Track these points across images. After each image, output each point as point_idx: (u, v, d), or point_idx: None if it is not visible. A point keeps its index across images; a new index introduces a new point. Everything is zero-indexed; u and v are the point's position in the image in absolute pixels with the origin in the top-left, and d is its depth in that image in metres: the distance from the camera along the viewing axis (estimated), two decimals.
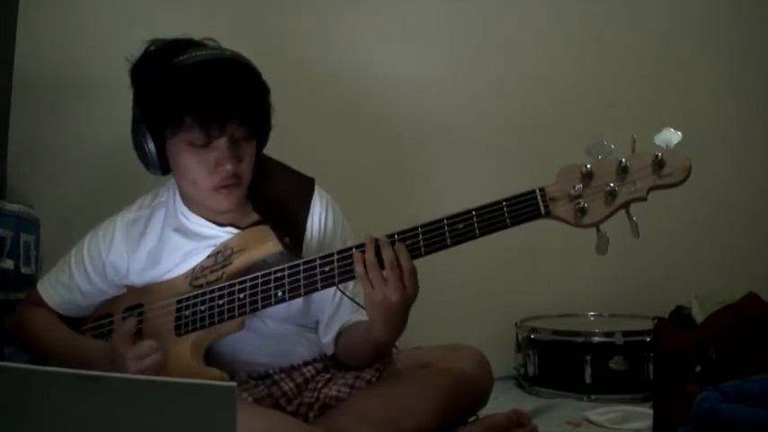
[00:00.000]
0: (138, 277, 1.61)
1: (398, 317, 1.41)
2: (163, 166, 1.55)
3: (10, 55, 1.99)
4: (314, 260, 1.45)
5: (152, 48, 1.55)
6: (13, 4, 2.00)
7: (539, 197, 1.35)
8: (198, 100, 1.46)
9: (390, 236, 1.41)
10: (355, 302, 1.54)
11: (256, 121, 1.54)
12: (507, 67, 2.53)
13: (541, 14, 2.56)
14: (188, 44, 1.53)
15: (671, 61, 2.62)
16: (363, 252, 1.39)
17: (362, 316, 1.52)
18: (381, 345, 1.52)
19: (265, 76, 1.56)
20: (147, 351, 1.45)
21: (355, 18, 2.44)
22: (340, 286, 1.47)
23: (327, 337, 1.60)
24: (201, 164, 1.50)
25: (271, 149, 1.63)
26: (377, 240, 1.39)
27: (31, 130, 2.11)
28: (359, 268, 1.39)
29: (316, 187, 1.64)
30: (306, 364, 1.62)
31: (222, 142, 1.49)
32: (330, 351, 1.62)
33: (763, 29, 2.68)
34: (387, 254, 1.37)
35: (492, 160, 2.50)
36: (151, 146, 1.52)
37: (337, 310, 1.59)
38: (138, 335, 1.54)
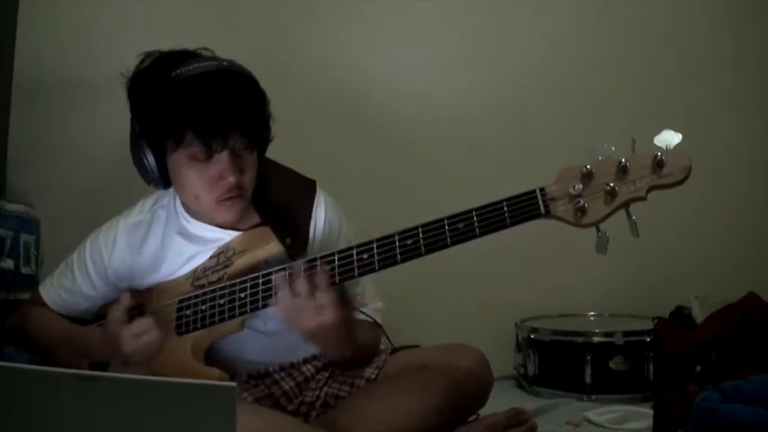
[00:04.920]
0: (141, 281, 1.61)
1: (328, 340, 1.44)
2: (164, 180, 1.55)
3: (10, 55, 1.99)
4: (314, 260, 1.45)
5: (146, 61, 1.54)
6: (12, 4, 2.00)
7: (539, 197, 1.35)
8: (198, 114, 1.45)
9: (389, 236, 1.41)
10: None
11: (257, 131, 1.54)
12: (507, 68, 2.53)
13: (542, 15, 2.56)
14: (183, 56, 1.52)
15: (672, 60, 2.62)
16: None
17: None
18: (334, 361, 1.56)
19: (266, 78, 1.55)
20: (144, 329, 1.45)
21: (356, 20, 2.44)
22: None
23: None
24: (203, 178, 1.50)
25: (272, 151, 1.63)
26: (288, 271, 1.40)
27: (30, 130, 2.11)
28: (274, 301, 1.40)
29: (318, 189, 1.64)
30: (306, 362, 1.62)
31: (224, 155, 1.48)
32: None
33: (763, 28, 2.68)
34: (300, 284, 1.38)
35: (492, 160, 2.50)
36: (151, 161, 1.52)
37: None
38: None
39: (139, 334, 1.44)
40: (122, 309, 1.48)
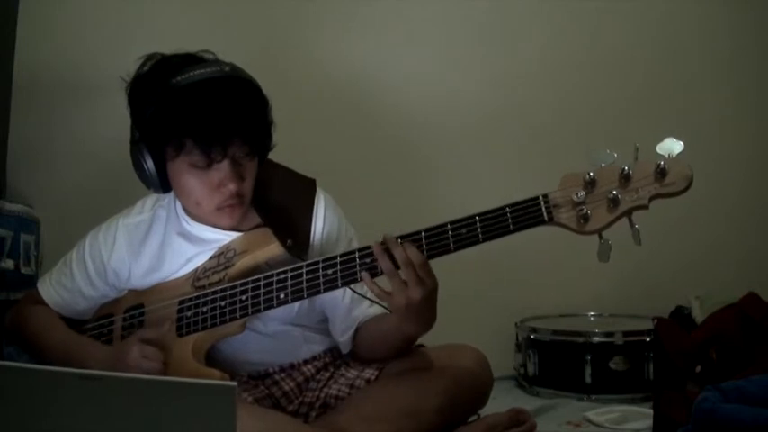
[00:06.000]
0: (140, 281, 1.61)
1: (427, 310, 1.43)
2: (164, 185, 1.54)
3: (10, 55, 1.99)
4: (317, 263, 1.45)
5: (147, 66, 1.53)
6: (12, 4, 2.00)
7: (542, 203, 1.35)
8: (198, 123, 1.44)
9: None
10: (366, 298, 1.55)
11: (258, 139, 1.53)
12: (510, 70, 2.52)
13: (543, 16, 2.56)
14: (185, 61, 1.50)
15: (671, 63, 2.62)
16: (375, 260, 1.39)
17: (380, 309, 1.54)
18: (413, 337, 1.53)
19: (266, 78, 1.55)
20: (153, 355, 1.45)
21: (357, 20, 2.44)
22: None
23: (345, 337, 1.60)
24: (203, 185, 1.50)
25: (273, 150, 1.63)
26: (383, 244, 1.39)
27: (31, 131, 2.11)
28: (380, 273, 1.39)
29: (317, 188, 1.64)
30: (306, 362, 1.62)
31: (225, 164, 1.48)
32: (347, 349, 1.62)
33: (762, 31, 2.68)
34: (397, 254, 1.37)
35: (494, 165, 2.49)
36: (151, 167, 1.51)
37: (352, 308, 1.58)
38: None
39: (148, 357, 1.44)
40: (153, 333, 1.49)
